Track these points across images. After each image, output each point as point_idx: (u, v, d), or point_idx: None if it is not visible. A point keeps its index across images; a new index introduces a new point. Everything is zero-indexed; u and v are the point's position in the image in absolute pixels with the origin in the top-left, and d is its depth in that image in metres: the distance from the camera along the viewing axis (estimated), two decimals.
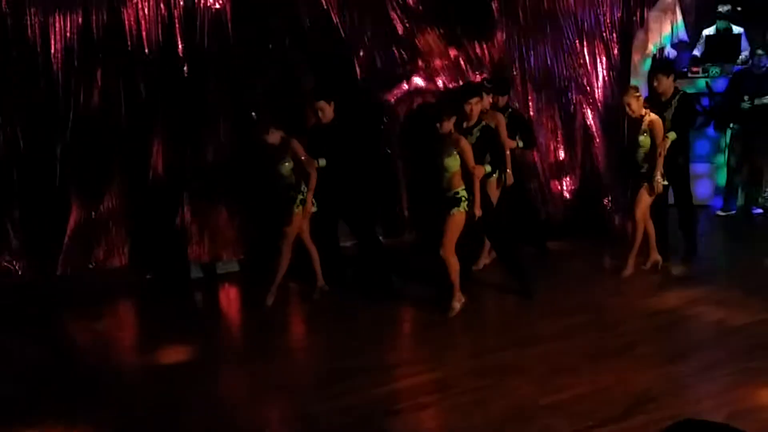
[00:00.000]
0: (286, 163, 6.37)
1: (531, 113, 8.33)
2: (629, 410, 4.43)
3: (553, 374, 4.98)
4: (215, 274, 7.55)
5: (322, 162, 6.47)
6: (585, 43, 8.54)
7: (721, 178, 9.25)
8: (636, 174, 6.82)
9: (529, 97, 8.46)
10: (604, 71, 8.72)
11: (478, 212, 5.98)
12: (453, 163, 5.93)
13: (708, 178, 9.35)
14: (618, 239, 7.57)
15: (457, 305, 6.10)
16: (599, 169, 8.43)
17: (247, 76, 7.57)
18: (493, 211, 6.59)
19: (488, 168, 6.21)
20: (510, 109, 7.43)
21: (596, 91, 8.75)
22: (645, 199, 6.76)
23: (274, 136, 6.36)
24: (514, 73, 8.36)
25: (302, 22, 7.69)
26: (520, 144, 7.31)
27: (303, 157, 6.34)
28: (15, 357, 5.80)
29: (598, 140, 8.45)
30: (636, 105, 6.64)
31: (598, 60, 8.71)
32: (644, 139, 6.68)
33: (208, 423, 4.58)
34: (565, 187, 8.62)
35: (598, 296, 6.55)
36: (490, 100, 7.06)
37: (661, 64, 7.38)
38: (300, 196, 6.39)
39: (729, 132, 9.05)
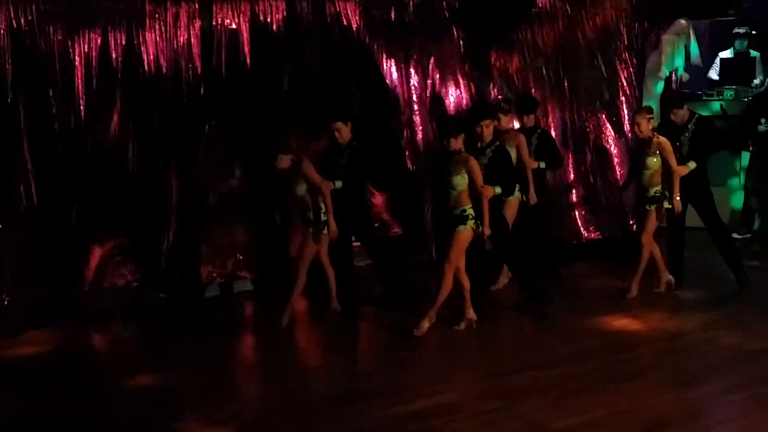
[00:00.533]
0: (300, 185, 6.37)
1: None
2: None
3: (567, 398, 4.93)
4: (231, 293, 7.55)
5: (338, 184, 6.46)
6: (600, 63, 8.60)
7: (736, 201, 9.19)
8: (641, 196, 6.77)
9: (550, 118, 8.51)
10: (619, 92, 8.78)
11: (487, 231, 5.98)
12: (461, 181, 5.94)
13: (723, 201, 9.28)
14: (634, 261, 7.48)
15: (425, 325, 6.03)
16: (614, 189, 8.45)
17: (262, 95, 7.64)
18: (507, 231, 6.57)
19: (498, 190, 6.19)
20: (539, 130, 7.43)
21: (610, 111, 8.80)
22: (651, 223, 6.72)
23: (284, 161, 6.35)
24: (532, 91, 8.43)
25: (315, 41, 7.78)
26: (542, 165, 7.28)
27: (316, 180, 6.33)
28: (26, 375, 5.81)
29: (614, 161, 8.48)
30: (645, 126, 6.63)
31: (614, 80, 8.78)
32: (650, 161, 6.64)
33: None
34: (580, 208, 8.66)
35: (613, 319, 6.50)
36: (509, 120, 7.06)
37: (673, 98, 7.35)
38: (316, 217, 6.38)
39: (746, 155, 9.01)
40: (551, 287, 7.10)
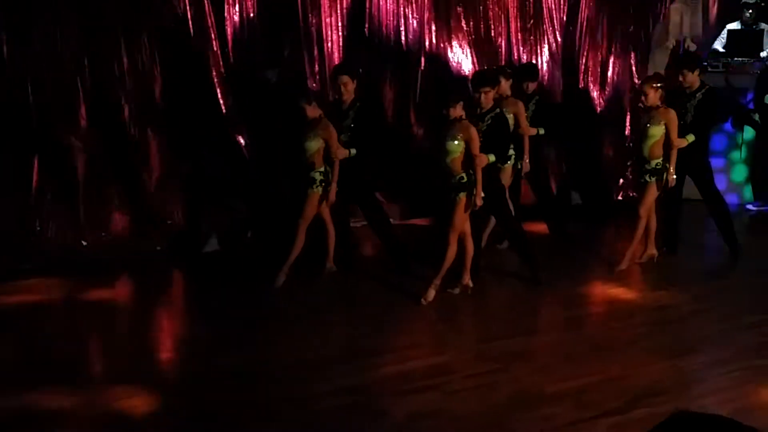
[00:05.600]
0: (313, 142, 6.31)
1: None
2: (634, 402, 4.42)
3: (560, 363, 4.97)
4: (229, 249, 7.52)
5: (353, 151, 6.41)
6: (605, 32, 8.58)
7: (737, 174, 9.18)
8: (641, 167, 6.70)
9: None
10: (626, 61, 8.76)
11: (479, 202, 5.94)
12: (456, 147, 5.89)
13: (723, 173, 9.27)
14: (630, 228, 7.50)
15: (432, 293, 6.02)
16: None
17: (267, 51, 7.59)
18: (504, 198, 6.56)
19: (492, 158, 6.13)
20: (537, 96, 7.39)
21: (615, 79, 8.79)
22: (651, 195, 6.64)
23: (314, 111, 6.29)
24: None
25: None
26: (541, 131, 7.26)
27: (334, 145, 6.26)
28: (21, 325, 5.81)
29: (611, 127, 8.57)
30: (652, 96, 6.51)
31: (618, 49, 8.76)
32: (653, 129, 6.51)
33: (214, 399, 4.59)
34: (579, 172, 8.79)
35: (607, 287, 6.52)
36: (509, 86, 7.02)
37: (686, 59, 7.27)
38: (320, 177, 6.35)
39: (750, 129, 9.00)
40: (549, 252, 7.12)
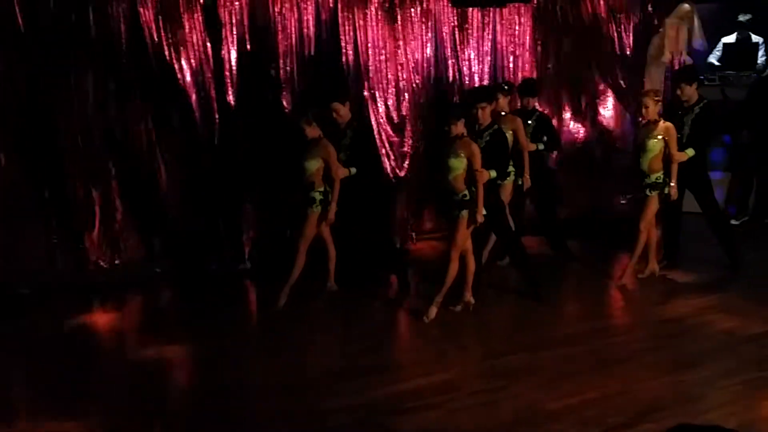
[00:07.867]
0: (312, 162, 6.35)
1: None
2: (638, 417, 4.43)
3: (563, 379, 4.98)
4: (232, 271, 7.54)
5: (353, 170, 6.46)
6: (603, 45, 8.65)
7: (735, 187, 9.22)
8: (640, 181, 6.72)
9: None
10: (622, 73, 8.83)
11: (479, 218, 5.95)
12: (458, 164, 5.92)
13: (720, 186, 9.29)
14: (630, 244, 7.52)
15: (434, 310, 6.04)
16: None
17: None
18: (504, 215, 6.58)
19: (493, 174, 6.16)
20: (537, 112, 7.44)
21: (613, 93, 8.84)
22: (651, 209, 6.66)
23: (313, 131, 6.35)
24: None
25: None
26: (541, 147, 7.30)
27: (334, 165, 6.32)
28: (22, 349, 5.81)
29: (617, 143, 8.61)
30: (652, 108, 6.54)
31: (617, 62, 8.82)
32: (652, 143, 6.55)
33: (218, 417, 4.60)
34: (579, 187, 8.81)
35: (608, 302, 6.53)
36: (508, 102, 7.06)
37: (684, 73, 7.31)
38: (319, 197, 6.37)
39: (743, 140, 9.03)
40: (549, 268, 7.14)
